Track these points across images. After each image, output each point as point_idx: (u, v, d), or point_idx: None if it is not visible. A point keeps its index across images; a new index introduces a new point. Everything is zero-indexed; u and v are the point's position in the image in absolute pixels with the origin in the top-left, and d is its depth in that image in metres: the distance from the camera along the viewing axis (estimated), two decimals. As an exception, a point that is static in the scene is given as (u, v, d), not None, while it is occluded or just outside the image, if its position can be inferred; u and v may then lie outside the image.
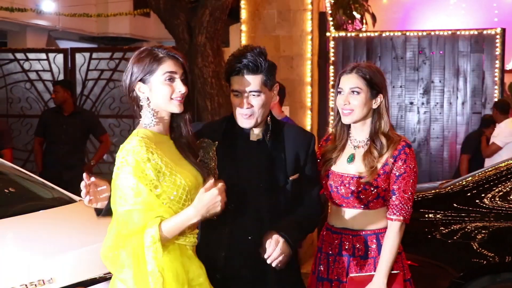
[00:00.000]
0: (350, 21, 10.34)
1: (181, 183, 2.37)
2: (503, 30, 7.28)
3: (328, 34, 7.33)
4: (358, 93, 2.78)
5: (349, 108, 2.79)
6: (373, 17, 10.85)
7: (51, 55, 9.69)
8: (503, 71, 7.38)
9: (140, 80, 2.43)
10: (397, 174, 2.76)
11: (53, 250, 3.07)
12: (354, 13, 10.40)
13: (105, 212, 2.51)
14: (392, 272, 2.74)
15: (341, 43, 7.37)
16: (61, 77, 9.62)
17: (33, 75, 9.63)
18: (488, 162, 6.92)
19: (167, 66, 2.41)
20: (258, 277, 2.65)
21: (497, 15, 12.95)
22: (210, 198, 2.29)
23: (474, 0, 13.01)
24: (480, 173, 4.19)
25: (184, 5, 6.97)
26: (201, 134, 2.68)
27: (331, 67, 7.30)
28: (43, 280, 2.81)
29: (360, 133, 2.86)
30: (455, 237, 3.90)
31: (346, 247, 2.84)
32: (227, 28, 9.14)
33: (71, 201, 3.99)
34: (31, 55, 9.74)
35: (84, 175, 2.51)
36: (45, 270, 2.86)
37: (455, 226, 3.90)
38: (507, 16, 12.55)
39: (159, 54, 2.42)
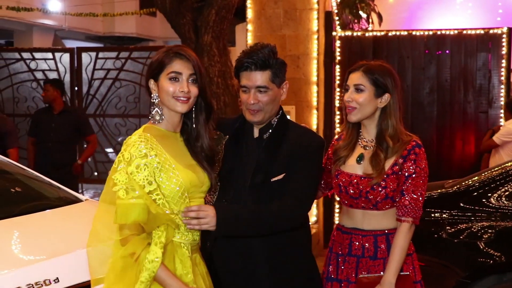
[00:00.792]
0: (356, 21, 10.30)
1: (177, 180, 2.39)
2: (510, 29, 7.25)
3: (334, 33, 7.31)
4: (362, 90, 2.77)
5: (352, 106, 2.79)
6: (379, 17, 10.81)
7: (57, 55, 9.72)
8: (509, 70, 7.34)
9: (152, 78, 2.49)
10: (406, 174, 2.74)
11: (59, 250, 3.07)
12: (360, 12, 10.36)
13: None
14: (401, 273, 2.73)
15: (347, 42, 7.35)
16: (68, 76, 9.65)
17: (39, 75, 9.67)
18: (492, 162, 6.92)
19: (173, 65, 2.45)
20: (248, 269, 2.66)
21: (502, 14, 12.91)
22: None
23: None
24: (486, 173, 4.17)
25: (190, 5, 6.98)
26: (217, 127, 2.73)
27: (337, 66, 7.28)
28: (49, 280, 2.81)
29: (368, 132, 2.85)
30: (461, 237, 3.89)
31: (356, 247, 2.83)
32: (233, 27, 9.16)
33: (77, 200, 4.00)
34: (37, 55, 9.78)
35: None
36: (51, 269, 2.87)
37: (461, 226, 3.90)
38: (511, 16, 12.50)
39: (170, 53, 2.47)
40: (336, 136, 3.01)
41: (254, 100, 2.64)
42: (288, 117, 2.91)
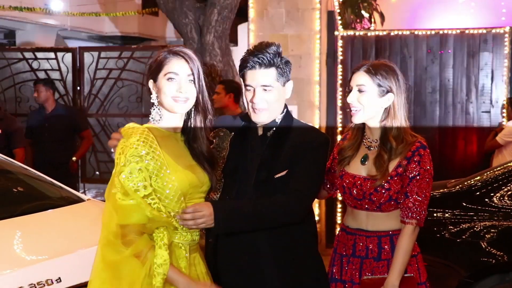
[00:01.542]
0: (358, 20, 10.30)
1: (173, 186, 2.39)
2: (512, 28, 7.24)
3: (336, 33, 7.30)
4: (365, 91, 2.75)
5: (355, 107, 2.77)
6: (382, 16, 10.81)
7: (59, 54, 9.72)
8: (511, 70, 7.34)
9: (151, 78, 2.50)
10: (410, 176, 2.71)
11: (61, 250, 3.07)
12: (363, 12, 10.36)
13: None
14: (405, 275, 2.71)
15: (350, 42, 7.34)
16: (70, 76, 9.66)
17: (41, 74, 9.67)
18: (496, 162, 6.92)
19: (171, 66, 2.45)
20: (254, 268, 2.65)
21: (505, 14, 12.88)
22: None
23: (483, -1, 12.96)
24: (489, 172, 4.17)
25: (192, 4, 6.98)
26: (223, 124, 2.76)
27: (340, 66, 7.28)
28: (51, 280, 2.82)
29: (372, 133, 2.82)
30: (463, 236, 3.88)
31: (360, 248, 2.82)
32: (235, 27, 9.16)
33: (79, 200, 4.00)
34: (39, 54, 9.78)
35: None
36: (53, 269, 2.87)
37: (464, 225, 3.89)
38: (515, 15, 12.48)
39: (168, 54, 2.47)
40: (341, 136, 3.00)
41: (259, 98, 2.64)
42: (291, 115, 2.89)
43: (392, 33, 7.43)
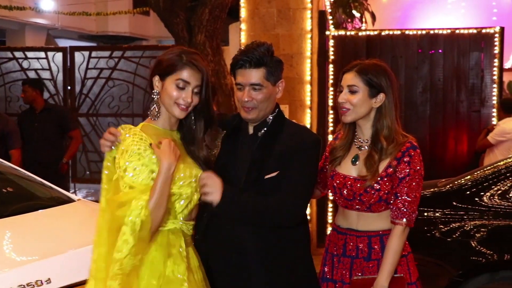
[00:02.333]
0: (349, 20, 10.32)
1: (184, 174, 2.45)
2: (502, 29, 7.27)
3: (327, 32, 7.31)
4: (355, 91, 2.74)
5: (346, 107, 2.77)
6: (373, 16, 10.84)
7: (50, 54, 9.69)
8: (501, 69, 7.36)
9: (158, 74, 2.51)
10: (400, 176, 2.70)
11: (51, 250, 3.06)
12: (354, 11, 10.39)
13: None
14: (395, 275, 2.71)
15: (341, 41, 7.35)
16: (60, 76, 9.62)
17: (32, 74, 9.63)
18: (487, 161, 6.95)
19: (183, 73, 2.47)
20: (240, 262, 2.66)
21: (496, 14, 12.94)
22: (167, 145, 2.38)
23: (474, -2, 13.02)
24: (479, 172, 4.18)
25: (183, 4, 6.97)
26: (218, 123, 2.76)
27: (331, 65, 7.28)
28: (41, 280, 2.80)
29: (363, 133, 2.82)
30: (454, 236, 3.89)
31: (350, 248, 2.81)
32: (226, 26, 9.13)
33: (70, 200, 3.98)
34: (30, 54, 9.74)
35: None
36: (43, 270, 2.86)
37: (454, 225, 3.90)
38: (506, 15, 12.55)
39: (183, 59, 2.48)
40: (332, 136, 2.99)
41: (248, 97, 2.64)
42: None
43: (383, 33, 7.45)
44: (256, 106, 2.66)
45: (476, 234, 3.84)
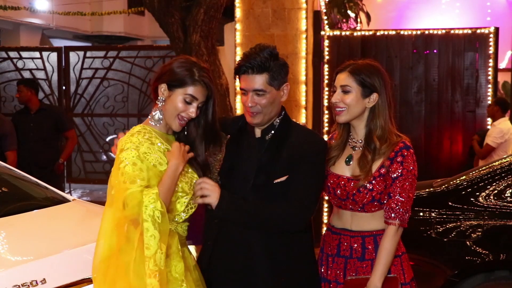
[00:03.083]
0: (344, 20, 10.34)
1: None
2: (497, 29, 7.29)
3: (322, 33, 7.32)
4: (349, 91, 2.74)
5: (339, 107, 2.77)
6: (368, 16, 10.86)
7: (44, 54, 9.67)
8: (496, 70, 7.39)
9: (166, 83, 2.53)
10: (393, 176, 2.69)
11: (46, 250, 3.05)
12: (349, 12, 10.41)
13: None
14: (389, 275, 2.71)
15: (336, 42, 7.37)
16: (55, 76, 9.61)
17: (26, 74, 9.61)
18: (484, 162, 6.97)
19: (194, 90, 2.52)
20: (248, 268, 2.66)
21: (490, 14, 12.99)
22: (177, 147, 2.48)
23: (468, -1, 13.05)
24: (474, 172, 4.19)
25: (178, 4, 6.95)
26: (221, 126, 2.77)
27: (326, 66, 7.30)
28: (36, 281, 2.79)
29: (357, 133, 2.82)
30: (450, 236, 3.90)
31: (344, 248, 2.81)
32: (221, 26, 9.15)
33: (65, 200, 3.97)
34: (24, 54, 9.73)
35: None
36: (38, 270, 2.85)
37: (450, 225, 3.91)
38: (500, 15, 12.59)
39: (195, 75, 2.52)
40: (328, 136, 2.99)
41: (252, 103, 2.64)
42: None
43: (378, 33, 7.46)
44: (260, 111, 2.66)
45: (472, 234, 3.84)
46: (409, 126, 7.31)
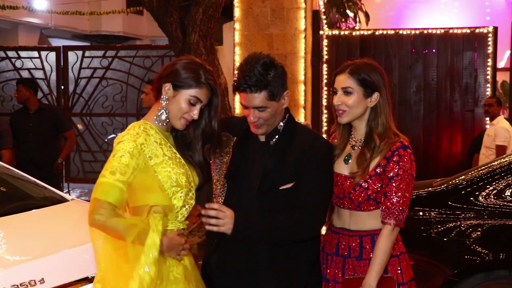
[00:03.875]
0: (343, 20, 10.33)
1: (175, 176, 2.47)
2: (495, 28, 7.30)
3: (321, 32, 7.33)
4: (350, 93, 2.73)
5: (342, 109, 2.76)
6: (367, 16, 10.86)
7: (43, 53, 9.66)
8: (495, 69, 7.39)
9: (171, 82, 2.52)
10: (389, 176, 2.68)
11: (44, 250, 3.04)
12: (348, 11, 10.40)
13: None
14: (385, 275, 2.71)
15: (335, 41, 7.37)
16: (54, 75, 9.60)
17: (25, 73, 9.60)
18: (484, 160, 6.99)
19: (199, 92, 2.52)
20: (251, 271, 2.66)
21: (489, 13, 12.99)
22: (177, 244, 2.45)
23: (467, -2, 13.06)
24: (474, 171, 4.19)
25: (177, 3, 6.95)
26: (226, 127, 2.76)
27: (325, 65, 7.30)
28: (34, 280, 2.78)
29: (358, 132, 2.81)
30: (449, 235, 3.90)
31: (342, 247, 2.81)
32: (220, 26, 9.13)
33: (63, 200, 3.96)
34: (23, 53, 9.71)
35: None
36: (36, 270, 2.84)
37: (449, 224, 3.90)
38: (499, 15, 12.59)
39: (202, 78, 2.52)
40: (327, 136, 2.99)
41: (254, 118, 2.62)
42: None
43: (376, 33, 7.47)
44: (264, 123, 2.65)
45: (471, 234, 3.84)
46: (407, 125, 7.31)
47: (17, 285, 2.72)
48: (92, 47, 13.21)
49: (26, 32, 15.64)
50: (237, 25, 6.91)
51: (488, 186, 3.94)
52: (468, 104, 7.40)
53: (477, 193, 3.94)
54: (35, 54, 9.68)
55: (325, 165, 2.70)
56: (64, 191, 8.20)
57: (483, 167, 4.18)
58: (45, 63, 9.62)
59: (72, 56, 9.58)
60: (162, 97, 2.53)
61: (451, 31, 7.36)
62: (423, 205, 4.01)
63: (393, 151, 2.70)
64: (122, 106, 9.51)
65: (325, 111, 7.20)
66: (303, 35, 6.78)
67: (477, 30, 7.31)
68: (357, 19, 10.85)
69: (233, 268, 2.69)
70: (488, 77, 7.30)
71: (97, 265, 2.50)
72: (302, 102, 6.81)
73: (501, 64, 12.47)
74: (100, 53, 9.58)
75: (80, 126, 9.66)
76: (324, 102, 7.22)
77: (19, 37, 15.38)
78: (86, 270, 2.95)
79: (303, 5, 6.76)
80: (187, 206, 2.53)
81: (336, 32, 7.50)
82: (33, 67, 9.65)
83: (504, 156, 4.61)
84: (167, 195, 2.46)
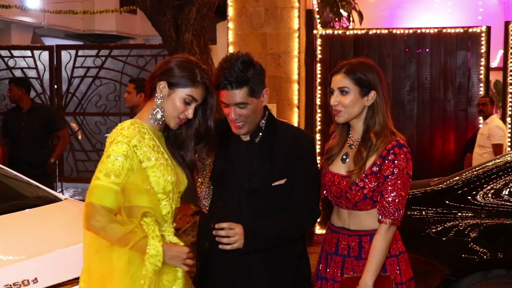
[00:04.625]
0: (337, 19, 10.33)
1: (163, 178, 2.45)
2: (489, 28, 7.31)
3: (315, 31, 7.32)
4: (347, 92, 2.74)
5: (338, 109, 2.76)
6: (360, 15, 10.86)
7: (36, 52, 9.62)
8: (488, 68, 7.41)
9: (166, 81, 2.49)
10: (385, 175, 2.69)
11: (37, 250, 3.03)
12: (341, 10, 10.40)
13: None
14: (382, 274, 2.71)
15: (328, 40, 7.37)
16: (47, 74, 9.56)
17: (18, 73, 9.56)
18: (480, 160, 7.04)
19: (195, 91, 2.50)
20: (243, 270, 2.68)
21: (482, 13, 13.03)
22: (178, 254, 2.41)
23: (460, -2, 13.10)
24: (471, 171, 4.20)
25: (170, 2, 6.93)
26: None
27: (318, 64, 7.30)
28: (27, 280, 2.78)
29: (356, 131, 2.82)
30: (447, 234, 3.90)
31: (342, 247, 2.82)
32: (214, 25, 9.10)
33: (56, 199, 3.95)
34: (15, 52, 9.67)
35: None
36: (30, 269, 2.83)
37: (447, 223, 3.90)
38: (492, 14, 12.64)
39: (197, 77, 2.50)
40: (320, 136, 3.01)
41: (235, 115, 2.63)
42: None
43: (370, 32, 7.47)
44: (245, 121, 2.66)
45: (469, 233, 3.84)
46: (401, 125, 7.31)
47: (10, 285, 2.71)
48: (85, 46, 13.18)
49: (19, 31, 15.59)
50: (230, 24, 6.90)
51: (485, 186, 3.95)
52: (461, 104, 7.41)
53: (475, 192, 3.95)
54: (28, 53, 9.64)
55: (312, 158, 2.80)
56: (58, 191, 8.18)
57: (480, 167, 4.19)
58: (38, 62, 9.58)
59: (65, 55, 9.55)
60: (156, 95, 2.50)
61: (444, 30, 7.38)
62: (421, 204, 4.01)
63: (389, 149, 2.70)
64: (116, 105, 9.48)
65: (319, 111, 7.20)
66: (296, 35, 6.78)
67: (470, 30, 7.32)
68: (351, 19, 10.85)
69: (226, 270, 2.70)
70: (481, 76, 7.31)
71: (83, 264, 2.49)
72: (296, 101, 6.81)
73: (494, 63, 12.50)
74: (93, 52, 9.55)
75: (74, 125, 9.63)
76: (318, 102, 7.22)
77: (12, 36, 15.33)
78: (79, 270, 2.94)
79: (296, 4, 6.76)
80: (170, 212, 2.52)
81: (329, 31, 7.50)
82: (26, 66, 9.61)
83: (500, 155, 4.62)
84: (155, 198, 2.45)
